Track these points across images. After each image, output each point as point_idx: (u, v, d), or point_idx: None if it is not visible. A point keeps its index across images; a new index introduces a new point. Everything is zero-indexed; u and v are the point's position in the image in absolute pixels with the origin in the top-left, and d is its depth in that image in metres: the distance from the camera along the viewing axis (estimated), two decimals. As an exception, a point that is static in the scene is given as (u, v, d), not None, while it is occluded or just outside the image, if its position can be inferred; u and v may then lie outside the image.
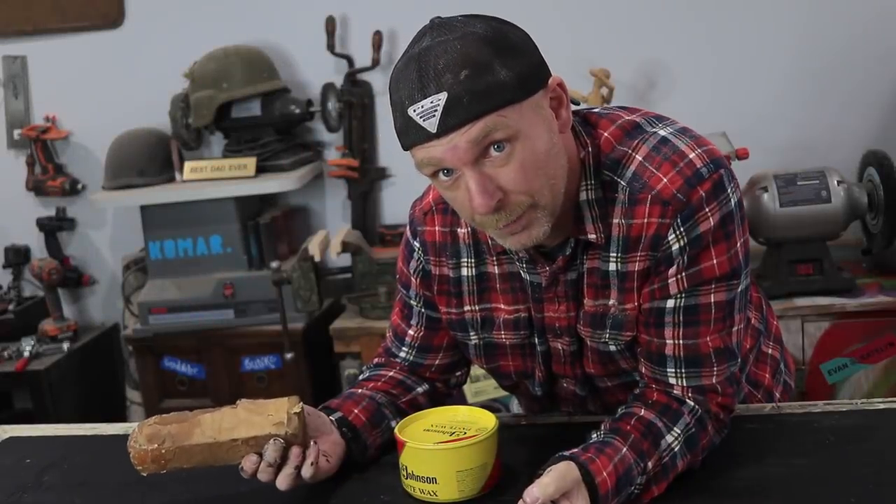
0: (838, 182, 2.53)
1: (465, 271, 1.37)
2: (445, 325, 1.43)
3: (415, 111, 1.12)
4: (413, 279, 1.43)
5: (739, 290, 1.25)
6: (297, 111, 3.11)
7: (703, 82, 2.99)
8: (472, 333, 1.40)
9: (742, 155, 2.54)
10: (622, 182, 1.23)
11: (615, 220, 1.24)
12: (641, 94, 3.01)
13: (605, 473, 1.14)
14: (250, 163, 3.05)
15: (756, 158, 2.60)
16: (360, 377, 1.49)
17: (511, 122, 1.12)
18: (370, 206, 3.24)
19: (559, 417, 1.47)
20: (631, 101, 2.92)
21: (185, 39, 3.18)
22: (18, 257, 3.41)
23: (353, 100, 3.14)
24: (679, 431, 1.22)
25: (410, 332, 1.46)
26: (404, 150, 1.18)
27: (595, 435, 1.22)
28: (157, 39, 3.26)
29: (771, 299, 2.47)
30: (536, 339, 1.37)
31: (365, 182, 3.20)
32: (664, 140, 1.24)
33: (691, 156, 1.22)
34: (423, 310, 1.44)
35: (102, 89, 3.31)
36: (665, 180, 1.21)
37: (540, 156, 1.15)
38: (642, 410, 1.24)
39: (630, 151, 1.24)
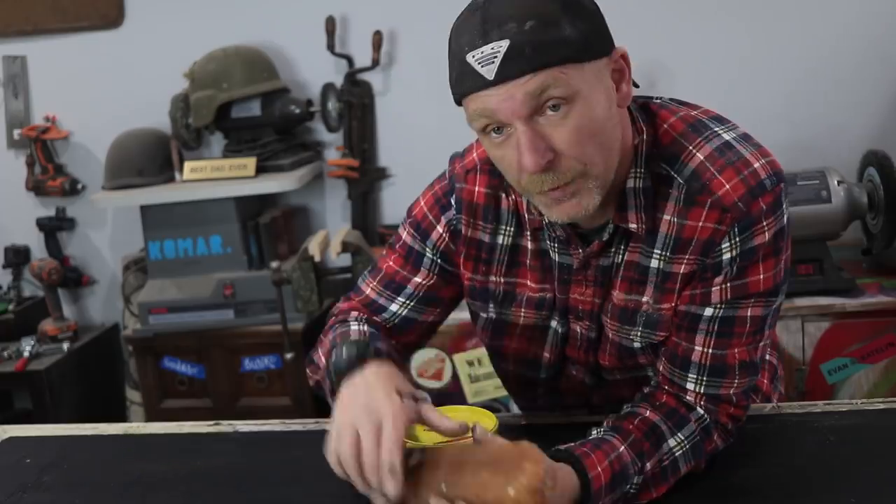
0: (838, 182, 2.53)
1: (500, 239, 1.33)
2: (466, 291, 1.38)
3: (473, 56, 1.08)
4: (439, 230, 1.36)
5: (775, 306, 1.24)
6: (297, 111, 3.11)
7: (703, 82, 2.99)
8: (490, 305, 1.36)
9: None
10: (679, 179, 1.20)
11: (666, 217, 1.21)
12: (641, 95, 3.00)
13: (599, 469, 1.14)
14: (250, 163, 3.05)
15: (756, 158, 2.60)
16: (356, 324, 1.33)
17: (572, 81, 1.08)
18: (370, 206, 3.24)
19: (559, 417, 1.47)
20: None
21: (185, 39, 3.18)
22: (18, 257, 3.41)
23: (353, 100, 3.14)
24: (683, 437, 1.22)
25: (417, 279, 1.38)
26: (457, 102, 1.15)
27: (595, 431, 1.22)
28: (157, 39, 3.26)
29: (771, 299, 2.48)
30: (557, 321, 1.34)
31: (365, 182, 3.20)
32: (728, 144, 1.21)
33: (756, 165, 1.19)
34: (437, 260, 1.37)
35: (102, 89, 3.32)
36: (727, 186, 1.18)
37: (597, 122, 1.12)
38: (647, 411, 1.24)
39: (691, 148, 1.21)
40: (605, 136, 1.13)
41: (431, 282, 1.38)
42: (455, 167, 1.36)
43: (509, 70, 1.07)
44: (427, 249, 1.38)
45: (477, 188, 1.33)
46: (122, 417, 3.36)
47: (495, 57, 1.07)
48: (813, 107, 2.96)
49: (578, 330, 1.34)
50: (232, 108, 3.09)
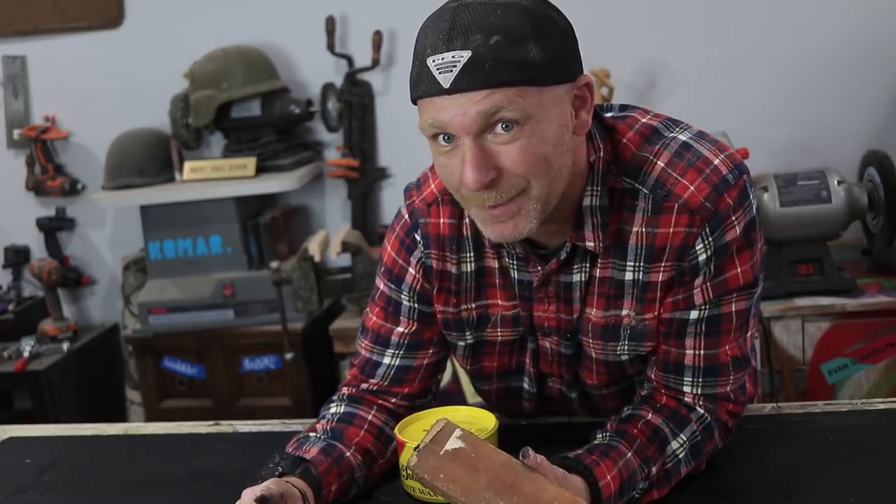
0: (838, 182, 2.53)
1: (465, 267, 1.32)
2: (439, 323, 1.38)
3: (433, 61, 1.07)
4: (411, 272, 1.35)
5: (756, 296, 1.25)
6: (297, 111, 3.11)
7: (703, 82, 2.99)
8: (467, 332, 1.36)
9: (742, 155, 2.54)
10: (644, 189, 1.20)
11: (635, 229, 1.21)
12: (641, 94, 3.01)
13: (608, 477, 1.14)
14: (250, 163, 3.05)
15: (756, 158, 2.59)
16: (334, 411, 1.38)
17: (527, 105, 1.07)
18: (370, 206, 3.24)
19: (559, 418, 1.47)
20: (631, 101, 2.92)
21: (185, 39, 3.18)
22: (18, 257, 3.41)
23: (353, 100, 3.14)
24: (685, 438, 1.22)
25: (399, 328, 1.38)
26: (413, 102, 1.14)
27: (600, 436, 1.22)
28: (157, 39, 3.26)
29: (771, 299, 2.48)
30: (529, 337, 1.34)
31: (365, 182, 3.20)
32: (686, 145, 1.21)
33: (716, 161, 1.19)
34: (415, 305, 1.37)
35: (102, 89, 3.31)
36: (692, 188, 1.18)
37: (546, 147, 1.10)
38: (650, 414, 1.24)
39: (651, 157, 1.21)
40: (553, 161, 1.12)
41: (413, 328, 1.38)
42: (414, 201, 1.35)
43: (465, 82, 1.06)
44: (403, 296, 1.37)
45: (441, 220, 1.32)
46: (122, 417, 3.36)
47: (454, 66, 1.06)
48: (813, 106, 2.96)
49: (548, 346, 1.34)
50: (232, 108, 3.09)
